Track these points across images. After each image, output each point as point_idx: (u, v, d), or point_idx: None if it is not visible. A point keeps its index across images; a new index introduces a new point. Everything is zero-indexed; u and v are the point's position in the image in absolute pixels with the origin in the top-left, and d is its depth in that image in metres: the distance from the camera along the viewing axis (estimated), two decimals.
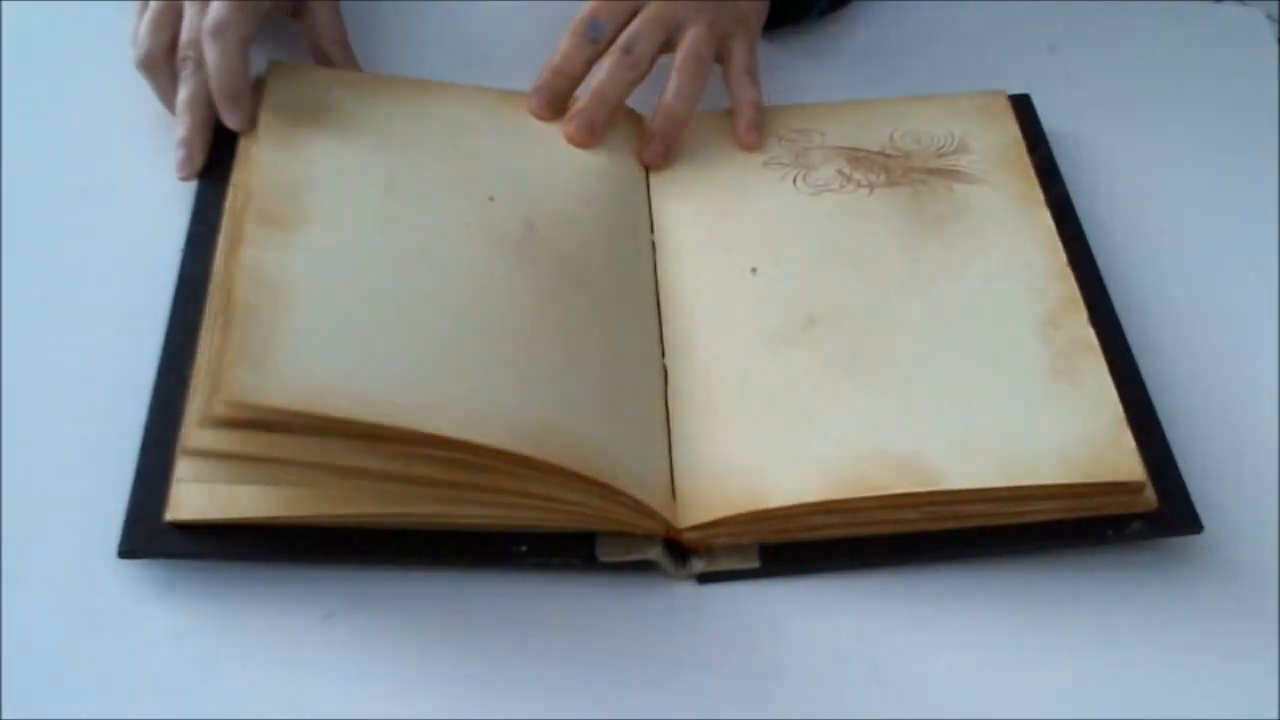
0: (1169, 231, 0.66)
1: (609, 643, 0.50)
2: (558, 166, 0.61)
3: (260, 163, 0.57)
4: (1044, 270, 0.59)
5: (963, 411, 0.54)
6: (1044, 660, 0.51)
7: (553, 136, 0.63)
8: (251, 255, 0.52)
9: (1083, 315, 0.57)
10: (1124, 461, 0.52)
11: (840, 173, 0.63)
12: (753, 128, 0.64)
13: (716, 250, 0.60)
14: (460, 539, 0.51)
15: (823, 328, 0.57)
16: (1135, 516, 0.53)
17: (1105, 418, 0.53)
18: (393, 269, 0.53)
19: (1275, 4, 0.78)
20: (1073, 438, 0.52)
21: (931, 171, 0.64)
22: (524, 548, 0.51)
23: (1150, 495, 0.53)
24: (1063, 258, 0.59)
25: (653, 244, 0.61)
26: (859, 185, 0.63)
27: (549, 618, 0.51)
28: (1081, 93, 0.71)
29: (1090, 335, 0.56)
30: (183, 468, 0.50)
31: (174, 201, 0.61)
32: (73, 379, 0.55)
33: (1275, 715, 0.50)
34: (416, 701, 0.48)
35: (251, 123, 0.60)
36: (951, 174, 0.63)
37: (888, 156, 0.64)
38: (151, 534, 0.50)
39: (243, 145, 0.61)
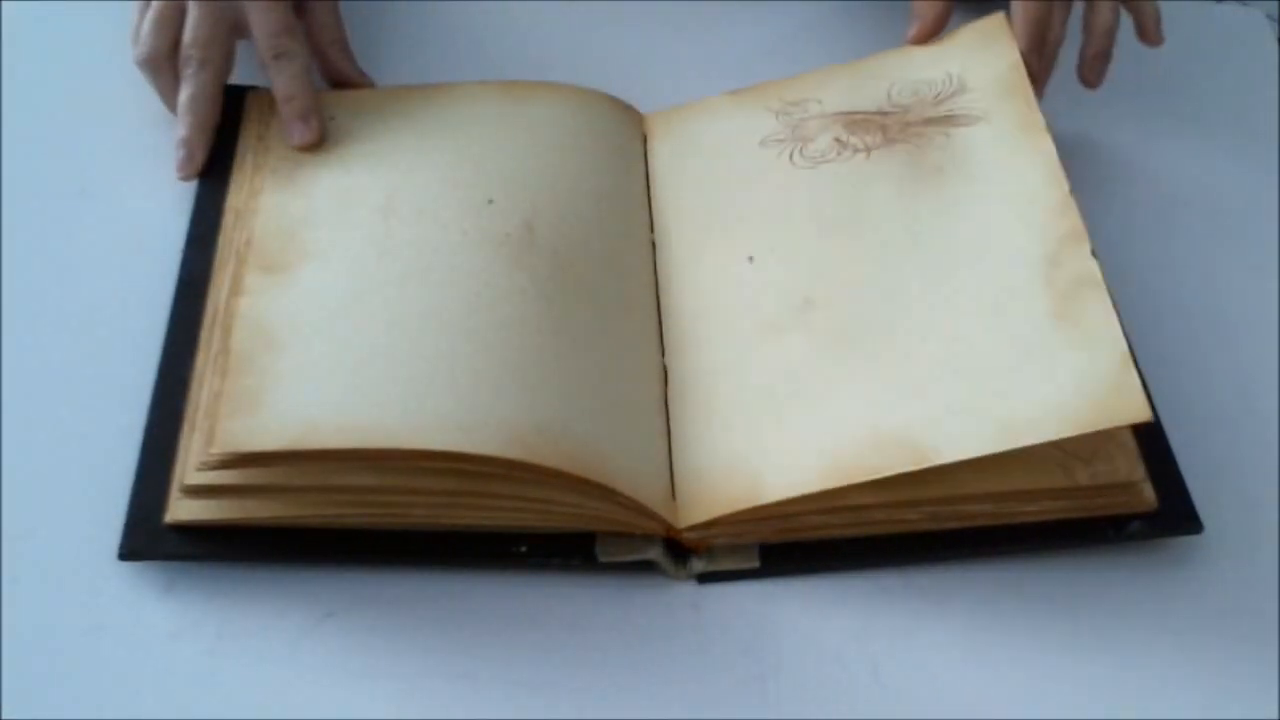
0: (1169, 231, 0.66)
1: (609, 643, 0.50)
2: (558, 165, 0.61)
3: (263, 208, 0.58)
4: (1044, 205, 0.57)
5: (962, 375, 0.52)
6: (1043, 660, 0.51)
7: (552, 132, 0.62)
8: (248, 304, 0.53)
9: (1085, 247, 0.54)
10: (1129, 403, 0.49)
11: (837, 140, 0.62)
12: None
13: (714, 243, 0.60)
14: (459, 539, 0.51)
15: (819, 309, 0.56)
16: (1135, 516, 0.53)
17: (1109, 356, 0.51)
18: (387, 290, 0.54)
19: (1275, 4, 0.78)
20: (1075, 384, 0.50)
21: (929, 121, 0.62)
22: (523, 548, 0.51)
23: (1150, 495, 0.52)
24: (1064, 187, 0.57)
25: (652, 243, 0.61)
26: (855, 150, 0.62)
27: (549, 618, 0.51)
28: (1081, 92, 0.71)
29: (1093, 269, 0.54)
30: (182, 500, 0.50)
31: (174, 201, 0.61)
32: (73, 379, 0.55)
33: (1275, 715, 0.50)
34: (416, 701, 0.48)
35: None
36: (949, 120, 0.62)
37: (885, 115, 0.63)
38: (151, 536, 0.50)
39: (239, 160, 0.61)
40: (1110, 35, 0.67)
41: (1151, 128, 0.70)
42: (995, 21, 0.65)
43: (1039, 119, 0.60)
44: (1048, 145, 0.59)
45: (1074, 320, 0.52)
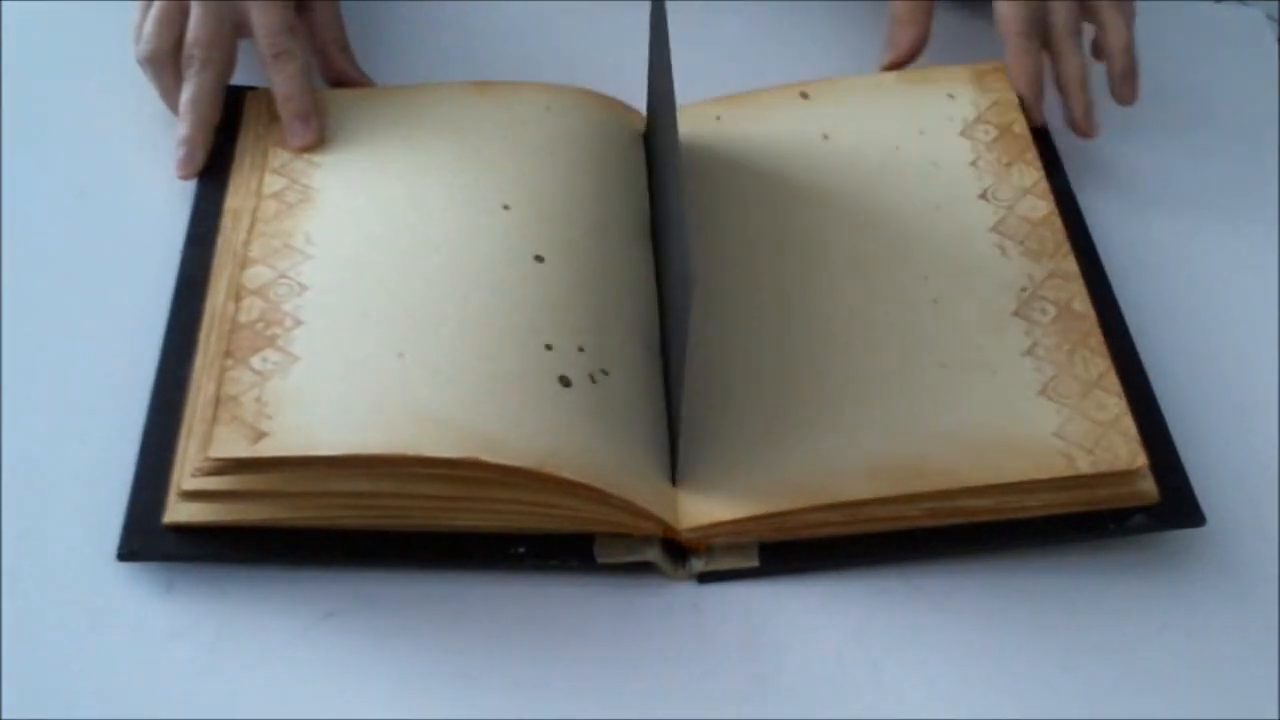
0: (1171, 229, 0.66)
1: (608, 643, 0.50)
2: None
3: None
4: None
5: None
6: (1045, 657, 0.51)
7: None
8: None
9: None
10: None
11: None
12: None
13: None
14: (458, 540, 0.51)
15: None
16: (1137, 509, 0.52)
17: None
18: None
19: (1275, 4, 0.78)
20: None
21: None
22: (522, 549, 0.51)
23: (1152, 488, 0.52)
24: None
25: (653, 239, 0.61)
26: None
27: (547, 618, 0.51)
28: None
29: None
30: (180, 502, 0.50)
31: (174, 201, 0.61)
32: (72, 380, 0.55)
33: (1276, 714, 0.50)
34: (415, 702, 0.48)
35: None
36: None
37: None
38: (150, 536, 0.50)
39: (238, 160, 0.61)
40: (1129, 51, 0.66)
41: (1151, 127, 0.70)
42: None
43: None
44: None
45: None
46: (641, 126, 0.65)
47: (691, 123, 0.65)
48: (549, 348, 0.53)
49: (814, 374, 0.55)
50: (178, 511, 0.50)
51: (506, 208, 0.58)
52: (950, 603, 0.52)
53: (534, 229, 0.57)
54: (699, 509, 0.51)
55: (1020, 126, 0.64)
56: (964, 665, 0.50)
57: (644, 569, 0.51)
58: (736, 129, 0.65)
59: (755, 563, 0.52)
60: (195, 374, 0.54)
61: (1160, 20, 0.76)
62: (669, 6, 0.55)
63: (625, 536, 0.51)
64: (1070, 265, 0.58)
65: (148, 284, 0.58)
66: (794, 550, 0.52)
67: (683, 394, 0.50)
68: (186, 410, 0.53)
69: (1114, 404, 0.53)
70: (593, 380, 0.53)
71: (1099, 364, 0.54)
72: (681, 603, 0.51)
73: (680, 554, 0.52)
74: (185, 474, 0.50)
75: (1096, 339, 0.55)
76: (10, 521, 0.51)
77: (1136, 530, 0.53)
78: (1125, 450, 0.52)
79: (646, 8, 0.59)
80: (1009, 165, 0.62)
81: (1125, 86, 0.66)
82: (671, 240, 0.52)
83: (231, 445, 0.48)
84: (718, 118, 0.66)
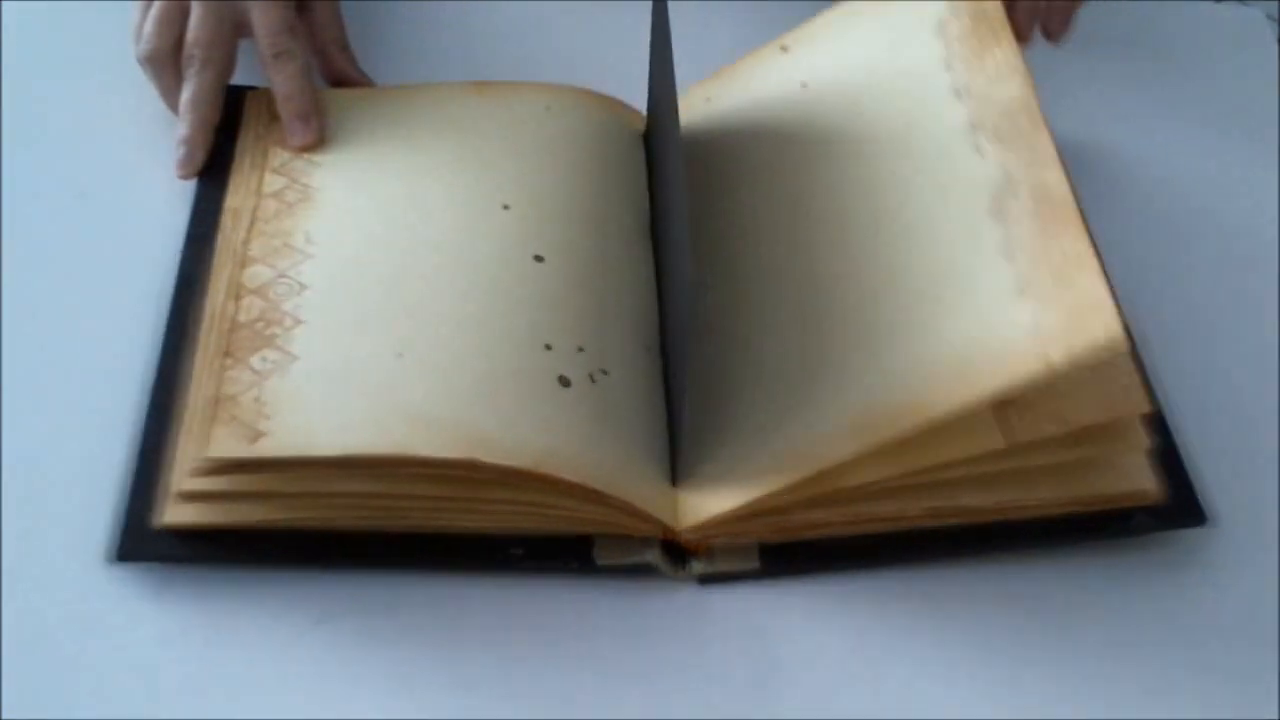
0: (1171, 229, 0.66)
1: (608, 645, 0.50)
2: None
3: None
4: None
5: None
6: (1046, 658, 0.51)
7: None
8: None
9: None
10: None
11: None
12: None
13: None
14: (455, 542, 0.51)
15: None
16: (1138, 509, 0.52)
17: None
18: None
19: (1275, 4, 0.78)
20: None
21: None
22: (520, 551, 0.51)
23: (1155, 487, 0.52)
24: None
25: (653, 237, 0.61)
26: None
27: (547, 620, 0.50)
28: (1081, 92, 0.71)
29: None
30: (175, 504, 0.50)
31: (174, 201, 0.61)
32: (70, 379, 0.55)
33: (1277, 714, 0.50)
34: (411, 706, 0.48)
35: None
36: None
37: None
38: (143, 539, 0.50)
39: (238, 160, 0.61)
40: None
41: (1151, 128, 0.70)
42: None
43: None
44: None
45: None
46: (641, 126, 0.65)
47: (684, 111, 0.64)
48: (548, 348, 0.53)
49: (808, 356, 0.54)
50: (173, 513, 0.50)
51: (506, 208, 0.58)
52: (951, 604, 0.52)
53: (534, 229, 0.57)
54: (697, 507, 0.51)
55: (995, 8, 0.58)
56: (964, 666, 0.50)
57: (644, 571, 0.51)
58: (725, 105, 0.65)
59: (756, 564, 0.52)
60: (194, 373, 0.54)
61: (1160, 20, 0.77)
62: (678, 6, 0.55)
63: (625, 538, 0.51)
64: (1044, 141, 0.52)
65: (147, 283, 0.58)
66: (794, 552, 0.52)
67: (685, 395, 0.50)
68: (184, 410, 0.52)
69: (1086, 281, 0.46)
70: (592, 380, 0.53)
71: (1074, 244, 0.48)
72: (682, 604, 0.51)
73: (681, 556, 0.52)
74: (182, 475, 0.50)
75: (1071, 214, 0.49)
76: (4, 522, 0.51)
77: (1138, 530, 0.53)
78: (1102, 328, 0.45)
79: (646, 8, 0.59)
80: (983, 52, 0.57)
81: (1058, 19, 0.66)
82: (674, 242, 0.52)
83: (230, 445, 0.48)
84: (708, 99, 0.65)
